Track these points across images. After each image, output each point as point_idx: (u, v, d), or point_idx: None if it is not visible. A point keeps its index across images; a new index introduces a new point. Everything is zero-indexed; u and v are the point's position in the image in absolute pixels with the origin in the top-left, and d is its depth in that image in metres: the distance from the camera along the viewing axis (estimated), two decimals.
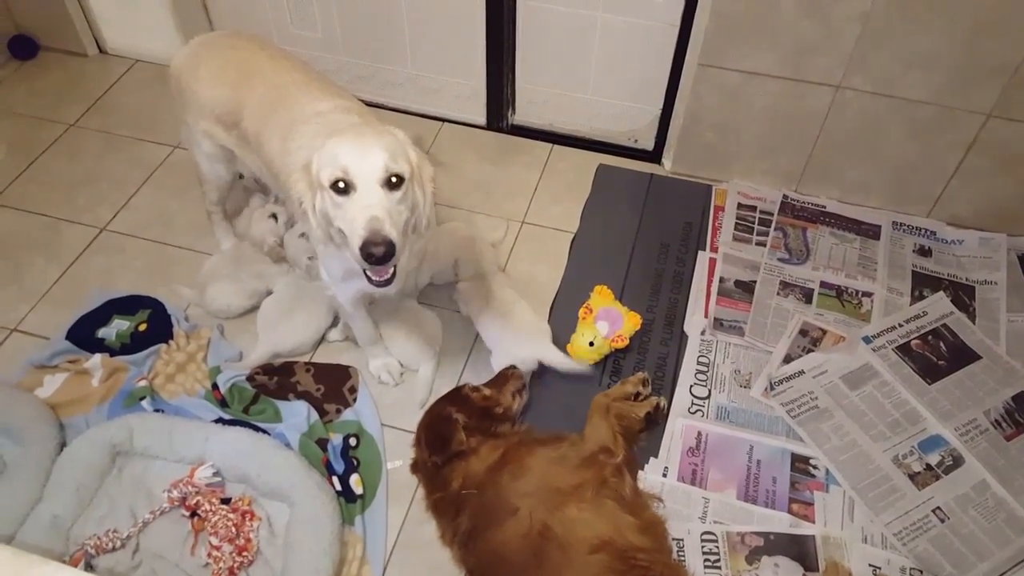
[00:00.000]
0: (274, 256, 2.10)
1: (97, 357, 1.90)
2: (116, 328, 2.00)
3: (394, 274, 1.48)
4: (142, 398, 1.82)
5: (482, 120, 2.63)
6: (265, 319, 2.00)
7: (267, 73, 1.76)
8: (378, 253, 1.35)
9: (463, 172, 2.50)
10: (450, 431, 1.59)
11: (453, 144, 2.59)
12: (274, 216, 2.13)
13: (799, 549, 1.63)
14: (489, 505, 1.46)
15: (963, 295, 2.12)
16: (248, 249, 2.14)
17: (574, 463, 1.53)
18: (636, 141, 2.54)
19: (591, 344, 1.90)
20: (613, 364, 1.95)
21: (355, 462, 1.76)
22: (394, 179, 1.41)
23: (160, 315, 2.03)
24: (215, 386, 1.88)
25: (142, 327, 2.00)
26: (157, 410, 1.83)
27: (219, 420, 1.81)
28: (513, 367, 1.80)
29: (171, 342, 1.97)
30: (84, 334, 1.98)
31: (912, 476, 1.74)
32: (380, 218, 1.36)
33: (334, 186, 1.40)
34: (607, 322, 1.92)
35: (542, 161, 2.54)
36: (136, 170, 2.47)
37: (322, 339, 2.03)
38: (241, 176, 2.12)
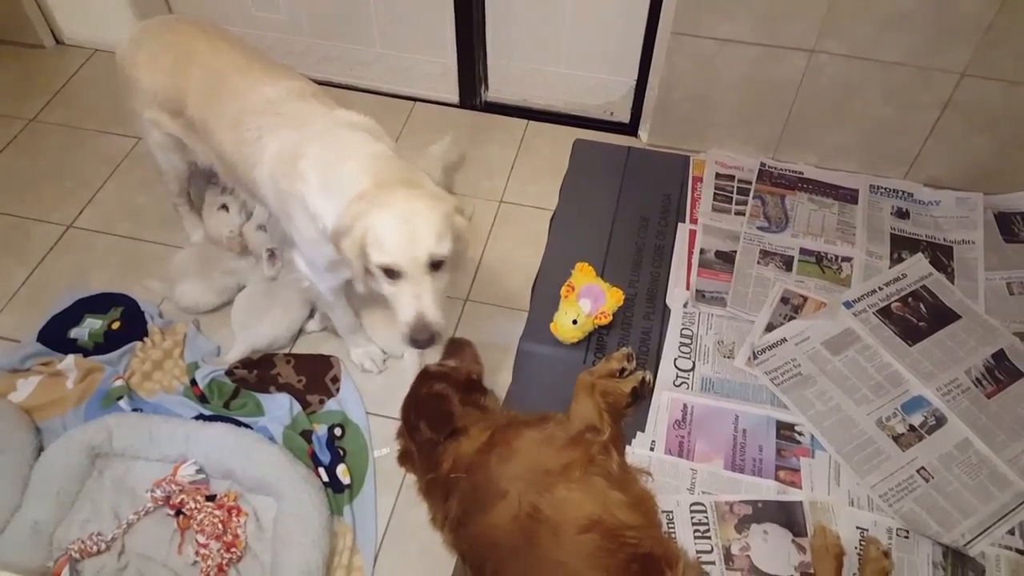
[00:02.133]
0: (235, 248, 2.06)
1: (71, 358, 1.86)
2: (88, 327, 1.96)
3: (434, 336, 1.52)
4: (119, 398, 1.79)
5: (455, 98, 2.59)
6: (239, 317, 1.96)
7: (204, 56, 1.72)
8: (423, 341, 1.46)
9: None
10: (449, 406, 1.56)
11: (427, 124, 2.55)
12: (224, 207, 2.08)
13: (787, 515, 1.64)
14: (479, 489, 1.45)
15: (941, 256, 2.13)
16: (211, 249, 2.10)
17: (561, 443, 1.52)
18: (612, 114, 2.52)
19: (574, 322, 1.88)
20: (597, 341, 1.94)
21: (341, 452, 1.75)
22: (437, 262, 1.44)
23: (133, 312, 1.99)
24: (194, 382, 1.85)
25: (115, 325, 1.96)
26: (135, 409, 1.80)
27: (200, 416, 1.79)
28: (458, 338, 1.78)
29: (146, 339, 1.94)
30: (56, 335, 1.94)
31: (896, 438, 1.76)
32: (426, 311, 1.44)
33: (384, 270, 1.44)
34: (589, 299, 1.91)
35: (518, 138, 2.50)
36: (101, 164, 2.41)
37: (300, 331, 2.00)
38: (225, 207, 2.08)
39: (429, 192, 1.49)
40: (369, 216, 1.41)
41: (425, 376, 1.68)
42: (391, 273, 1.45)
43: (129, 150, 2.44)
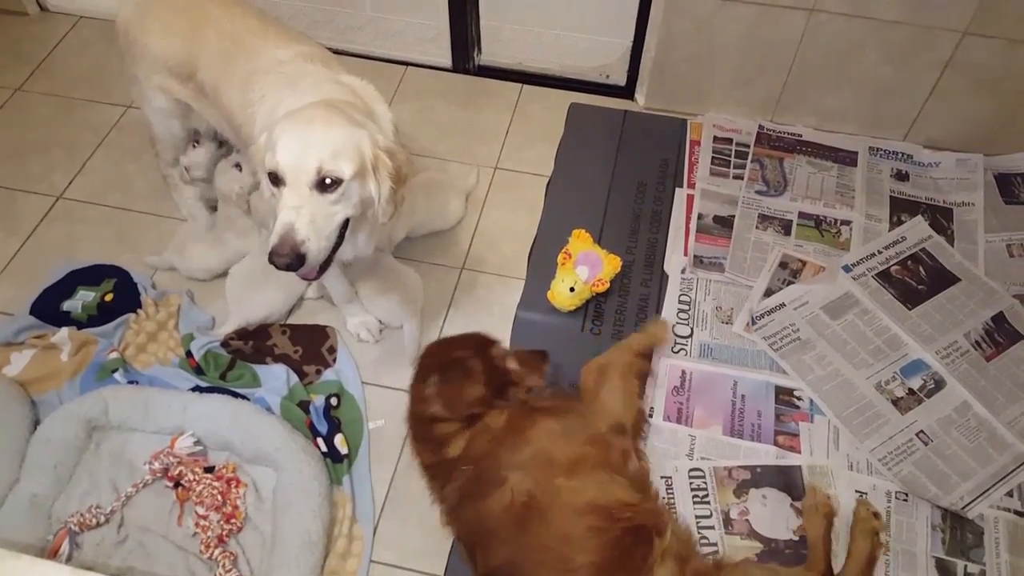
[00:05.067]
0: (243, 206, 2.03)
1: (64, 331, 1.84)
2: (81, 300, 1.94)
3: (324, 270, 1.43)
4: (114, 370, 1.78)
5: (448, 62, 2.54)
6: (234, 290, 1.94)
7: (219, 20, 1.68)
8: (280, 264, 1.32)
9: (432, 118, 2.42)
10: (471, 391, 1.42)
11: (419, 89, 2.50)
12: (238, 165, 2.05)
13: (786, 480, 1.64)
14: (481, 477, 1.38)
15: (941, 218, 2.11)
16: (225, 210, 2.07)
17: (578, 440, 1.42)
18: (608, 77, 2.47)
19: (571, 290, 1.87)
20: (595, 308, 1.93)
21: (337, 422, 1.74)
22: (329, 181, 1.35)
23: (126, 284, 1.97)
24: (189, 354, 1.84)
25: (108, 297, 1.94)
26: (131, 382, 1.79)
27: (196, 388, 1.78)
28: (545, 352, 1.59)
29: (140, 311, 1.92)
30: (48, 308, 1.92)
31: (895, 401, 1.76)
32: (296, 227, 1.32)
33: (270, 175, 1.36)
34: (587, 267, 1.89)
35: (512, 103, 2.46)
36: (89, 133, 2.36)
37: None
38: (196, 143, 2.03)
39: (351, 118, 1.41)
40: (277, 124, 1.37)
41: (468, 340, 1.53)
42: (276, 180, 1.36)
43: (117, 119, 2.40)
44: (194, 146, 2.05)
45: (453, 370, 1.45)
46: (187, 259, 1.99)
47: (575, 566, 1.26)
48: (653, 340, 1.75)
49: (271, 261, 1.33)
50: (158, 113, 1.89)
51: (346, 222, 1.44)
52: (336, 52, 2.48)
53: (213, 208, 2.14)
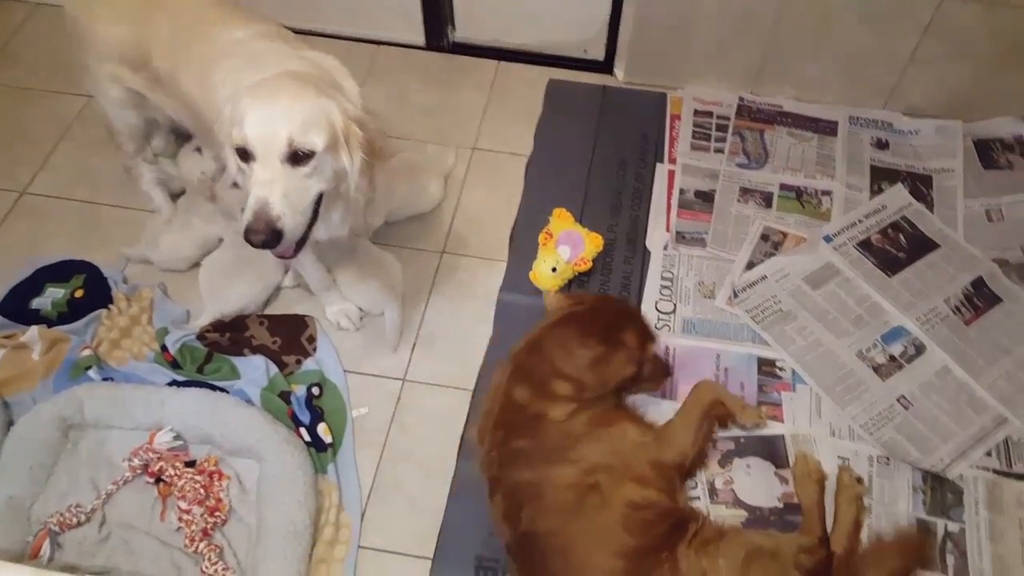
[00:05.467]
0: (206, 192, 1.98)
1: (34, 329, 1.79)
2: (51, 297, 1.89)
3: (300, 247, 1.39)
4: (88, 368, 1.73)
5: (421, 40, 2.48)
6: (208, 282, 1.89)
7: (171, 4, 1.61)
8: (256, 242, 1.28)
9: (407, 99, 2.36)
10: (622, 369, 1.47)
11: (393, 69, 2.44)
12: (199, 149, 1.99)
13: (769, 449, 1.65)
14: (555, 446, 1.41)
15: (921, 185, 2.11)
16: (191, 197, 2.02)
17: (645, 459, 1.45)
18: (586, 51, 2.43)
19: (553, 270, 1.85)
20: (577, 288, 1.91)
21: (320, 411, 1.72)
22: (301, 154, 1.30)
23: (96, 279, 1.91)
24: (164, 348, 1.80)
25: (78, 293, 1.89)
26: (106, 379, 1.74)
27: (173, 383, 1.74)
28: (669, 368, 1.69)
29: (111, 306, 1.87)
30: (17, 306, 1.87)
31: (876, 368, 1.77)
32: (270, 202, 1.27)
33: (239, 151, 1.31)
34: (568, 246, 1.87)
35: (489, 81, 2.41)
36: (50, 125, 2.28)
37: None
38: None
39: (320, 89, 1.37)
40: (242, 98, 1.32)
41: (638, 328, 1.54)
42: (245, 155, 1.31)
43: (80, 110, 2.32)
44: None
45: (616, 349, 1.48)
46: (161, 251, 1.94)
47: (620, 549, 1.32)
48: (738, 409, 1.68)
49: (247, 239, 1.29)
50: (112, 104, 1.83)
51: (320, 198, 1.40)
52: (303, 33, 2.43)
53: (178, 196, 2.09)
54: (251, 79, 1.42)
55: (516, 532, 1.39)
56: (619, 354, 1.48)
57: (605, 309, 1.59)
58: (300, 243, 1.39)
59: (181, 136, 2.07)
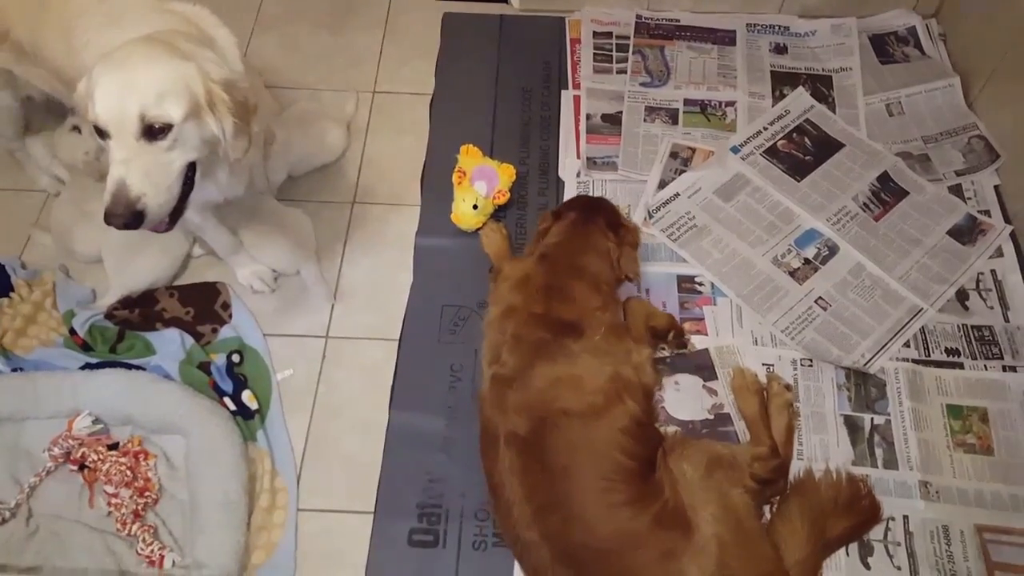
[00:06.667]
0: (93, 173, 1.87)
1: None
2: None
3: (175, 219, 1.32)
4: None
5: None
6: (112, 258, 1.80)
7: None
8: (117, 224, 1.22)
9: (298, 46, 2.26)
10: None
11: (279, 15, 2.32)
12: (76, 128, 1.86)
13: (695, 363, 1.69)
14: (551, 341, 1.44)
15: (821, 87, 2.13)
16: (79, 181, 1.90)
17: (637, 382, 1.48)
18: None
19: (475, 207, 1.82)
20: (494, 222, 1.89)
21: (243, 378, 1.68)
22: (156, 127, 1.23)
23: None
24: (72, 331, 1.73)
25: None
26: (15, 369, 1.67)
27: (86, 366, 1.68)
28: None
29: (12, 294, 1.78)
30: None
31: (792, 273, 1.81)
32: (128, 183, 1.21)
33: (96, 128, 1.23)
34: (483, 181, 1.84)
35: (382, 19, 2.32)
36: None
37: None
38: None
39: (176, 52, 1.28)
40: (94, 68, 1.24)
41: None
42: (102, 133, 1.24)
43: None
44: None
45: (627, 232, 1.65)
46: (78, 244, 1.83)
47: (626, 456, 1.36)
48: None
49: (107, 222, 1.22)
50: None
51: (193, 166, 1.33)
52: None
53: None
54: (115, 39, 1.32)
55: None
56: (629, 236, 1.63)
57: (583, 207, 1.67)
58: (175, 214, 1.33)
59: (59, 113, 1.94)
